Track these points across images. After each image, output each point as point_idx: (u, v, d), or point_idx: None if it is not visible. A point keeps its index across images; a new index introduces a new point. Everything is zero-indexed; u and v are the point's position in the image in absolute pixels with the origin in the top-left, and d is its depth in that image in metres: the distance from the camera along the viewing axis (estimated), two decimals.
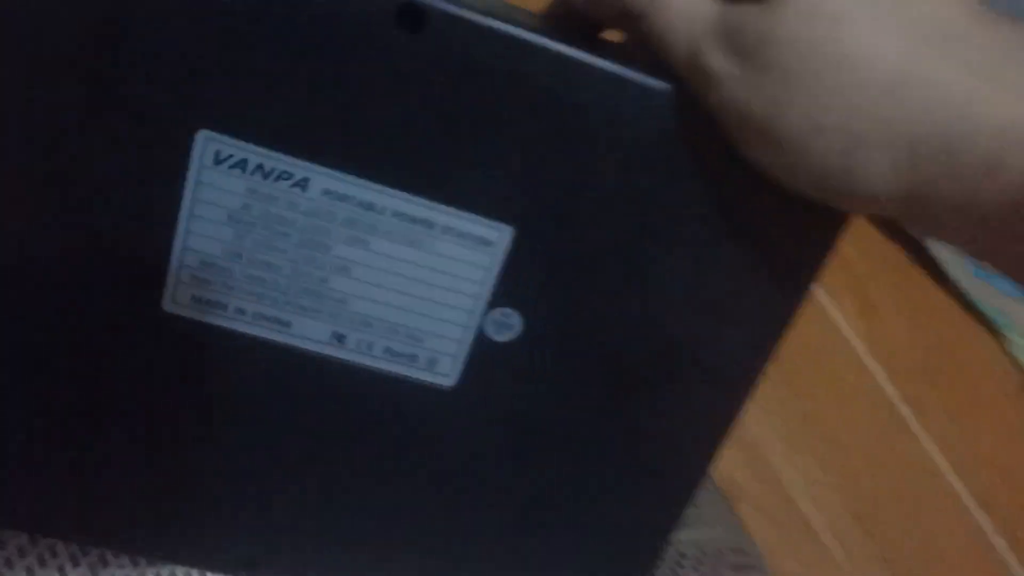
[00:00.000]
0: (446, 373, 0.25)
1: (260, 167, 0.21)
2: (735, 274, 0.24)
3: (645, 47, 0.22)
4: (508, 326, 0.24)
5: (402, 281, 0.23)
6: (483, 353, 0.24)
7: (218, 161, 0.21)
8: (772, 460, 0.46)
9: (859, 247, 0.64)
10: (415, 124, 0.21)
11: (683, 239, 0.23)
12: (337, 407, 0.25)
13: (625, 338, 0.25)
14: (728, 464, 0.43)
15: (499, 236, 0.23)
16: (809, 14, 0.19)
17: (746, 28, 0.20)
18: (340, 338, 0.24)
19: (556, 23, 0.24)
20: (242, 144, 0.21)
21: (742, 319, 0.25)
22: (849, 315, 0.58)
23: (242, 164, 0.21)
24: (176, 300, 0.23)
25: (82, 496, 0.25)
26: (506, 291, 0.24)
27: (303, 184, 0.22)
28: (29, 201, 0.21)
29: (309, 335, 0.24)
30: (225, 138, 0.21)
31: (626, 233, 0.23)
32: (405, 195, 0.22)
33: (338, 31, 0.20)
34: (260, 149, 0.21)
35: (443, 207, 0.22)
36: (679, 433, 0.27)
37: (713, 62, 0.20)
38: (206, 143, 0.21)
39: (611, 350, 0.25)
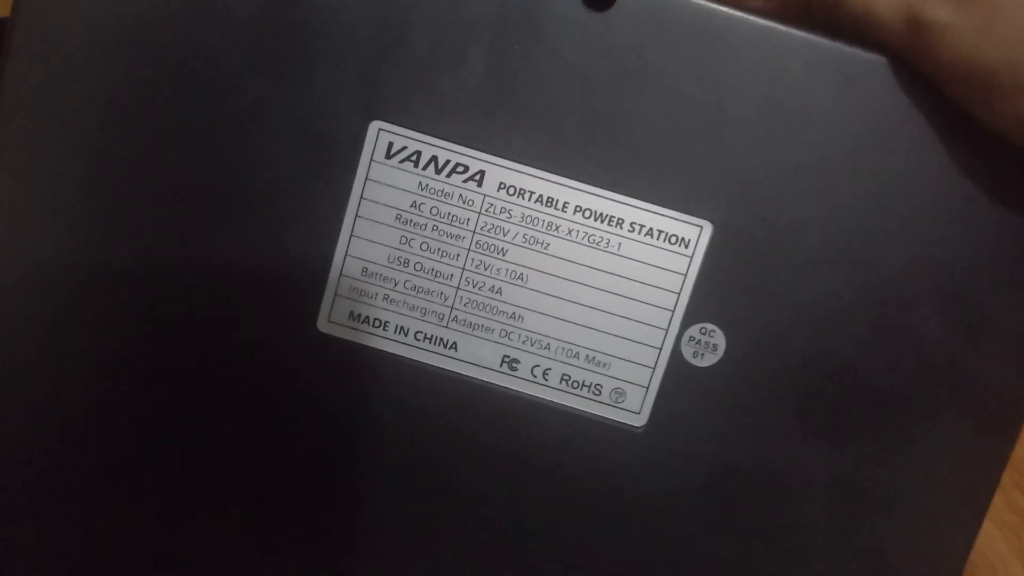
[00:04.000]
0: (635, 410, 0.21)
1: (434, 160, 0.20)
2: (994, 272, 0.20)
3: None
4: (710, 346, 0.20)
5: (584, 291, 0.20)
6: (679, 382, 0.20)
7: (390, 154, 0.20)
8: None
9: None
10: (602, 110, 0.19)
11: (922, 227, 0.20)
12: (502, 448, 0.21)
13: (856, 359, 0.20)
14: None
15: (697, 234, 0.20)
16: None
17: None
18: (512, 364, 0.21)
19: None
20: (416, 135, 0.20)
21: (1006, 328, 0.20)
22: None
23: (415, 157, 0.20)
24: (332, 318, 0.20)
25: (233, 530, 0.21)
26: (706, 303, 0.20)
27: (479, 178, 0.20)
28: (182, 201, 0.20)
29: (477, 359, 0.21)
30: (399, 129, 0.20)
31: (850, 223, 0.20)
32: (590, 188, 0.20)
33: (518, 11, 0.19)
34: (435, 140, 0.20)
35: (632, 200, 0.20)
36: (921, 490, 0.21)
37: (938, 14, 0.18)
38: (378, 135, 0.20)
39: (836, 376, 0.20)
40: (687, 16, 0.19)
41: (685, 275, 0.20)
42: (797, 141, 0.19)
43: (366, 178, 0.20)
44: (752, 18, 0.19)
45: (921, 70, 0.19)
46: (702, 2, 0.19)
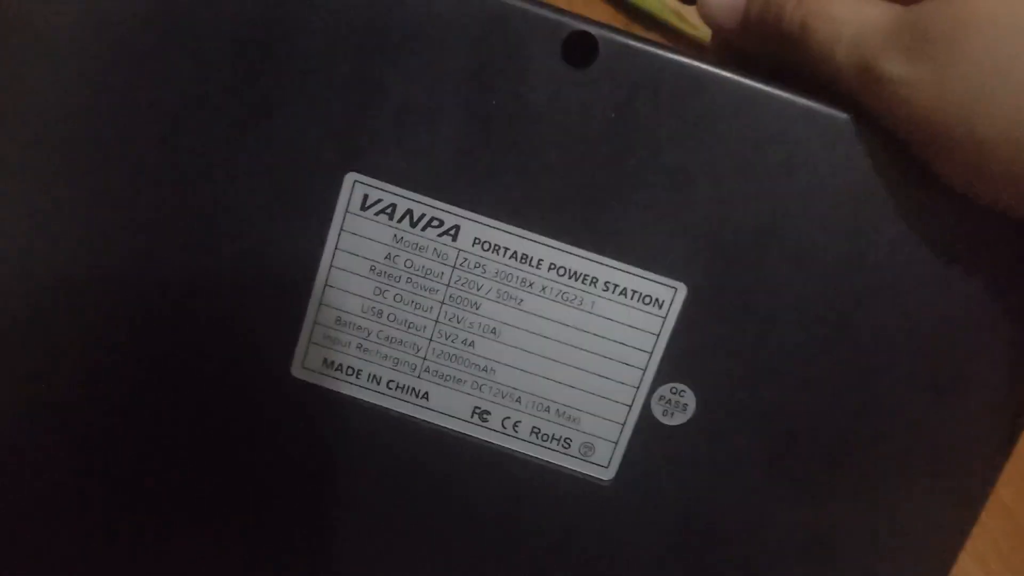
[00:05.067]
0: (603, 463, 0.21)
1: (409, 213, 0.20)
2: (964, 327, 0.20)
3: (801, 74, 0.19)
4: (680, 405, 0.20)
5: (556, 347, 0.20)
6: (648, 439, 0.21)
7: (365, 206, 0.20)
8: None
9: None
10: (580, 167, 0.19)
11: (893, 289, 0.20)
12: (471, 498, 0.21)
13: (825, 419, 0.20)
14: None
15: (671, 296, 0.20)
16: None
17: (928, 21, 0.17)
18: (483, 415, 0.21)
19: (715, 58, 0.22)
20: (392, 188, 0.19)
21: (977, 390, 0.20)
22: None
23: (390, 210, 0.20)
24: (306, 364, 0.20)
25: (200, 568, 0.22)
26: (677, 363, 0.20)
27: (453, 232, 0.20)
28: (162, 243, 0.20)
29: (448, 410, 0.21)
30: (374, 181, 0.19)
31: (823, 285, 0.20)
32: (565, 246, 0.20)
33: (499, 66, 0.19)
34: (411, 193, 0.20)
35: (606, 260, 0.20)
36: (890, 549, 0.21)
37: (892, 69, 0.17)
38: (353, 187, 0.19)
39: (806, 436, 0.20)
40: (667, 73, 0.19)
41: (658, 335, 0.20)
42: (773, 201, 0.19)
43: (341, 229, 0.20)
44: (732, 76, 0.19)
45: (882, 125, 0.19)
46: (682, 59, 0.19)
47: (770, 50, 0.21)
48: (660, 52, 0.19)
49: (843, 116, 0.19)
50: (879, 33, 0.18)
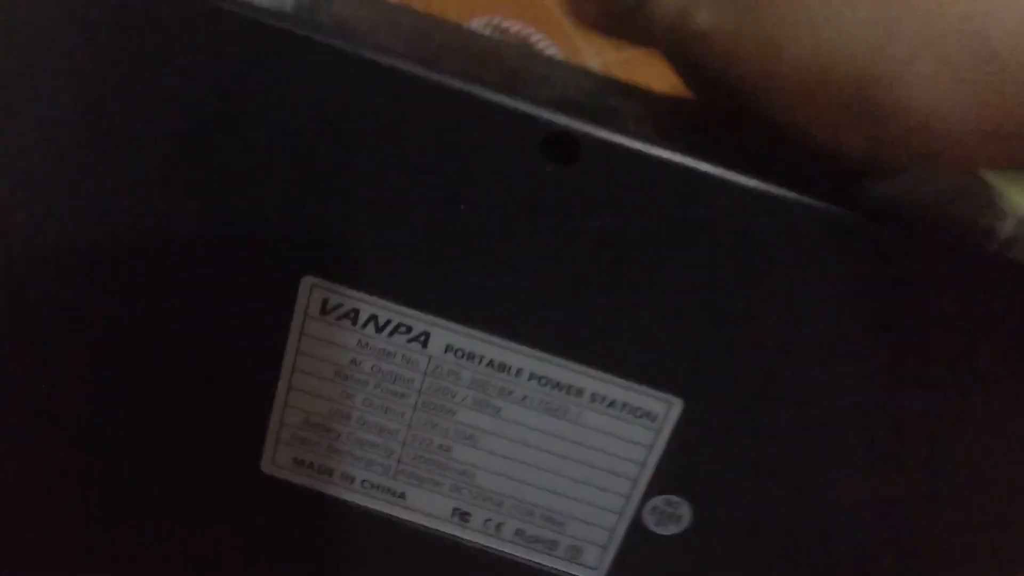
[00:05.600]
0: (593, 566, 0.20)
1: (374, 319, 0.18)
2: (966, 452, 0.18)
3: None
4: (674, 517, 0.19)
5: (539, 456, 0.19)
6: (641, 544, 0.19)
7: (325, 311, 0.18)
8: None
9: None
10: (561, 273, 0.17)
11: (892, 403, 0.17)
12: None
13: (822, 535, 0.19)
14: None
15: (665, 410, 0.18)
16: None
17: None
18: (463, 516, 0.19)
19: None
20: (353, 292, 0.17)
21: (977, 518, 0.18)
22: None
23: (352, 315, 0.18)
24: (276, 461, 0.19)
25: None
26: (671, 476, 0.18)
27: (423, 339, 0.18)
28: (123, 347, 0.18)
29: (427, 509, 0.20)
30: (333, 285, 0.17)
31: (823, 398, 0.17)
32: (546, 356, 0.18)
33: (473, 164, 0.16)
34: (374, 299, 0.17)
35: (593, 372, 0.18)
36: None
37: (700, 21, 0.15)
38: (311, 290, 0.17)
39: (802, 551, 0.19)
40: (655, 172, 0.16)
41: (650, 447, 0.18)
42: (771, 310, 0.17)
43: (300, 333, 0.18)
44: (727, 175, 0.16)
45: (692, 85, 0.17)
46: (670, 156, 0.16)
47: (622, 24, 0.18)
48: (649, 150, 0.16)
49: (848, 214, 0.16)
50: None
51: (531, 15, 0.56)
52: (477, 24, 0.53)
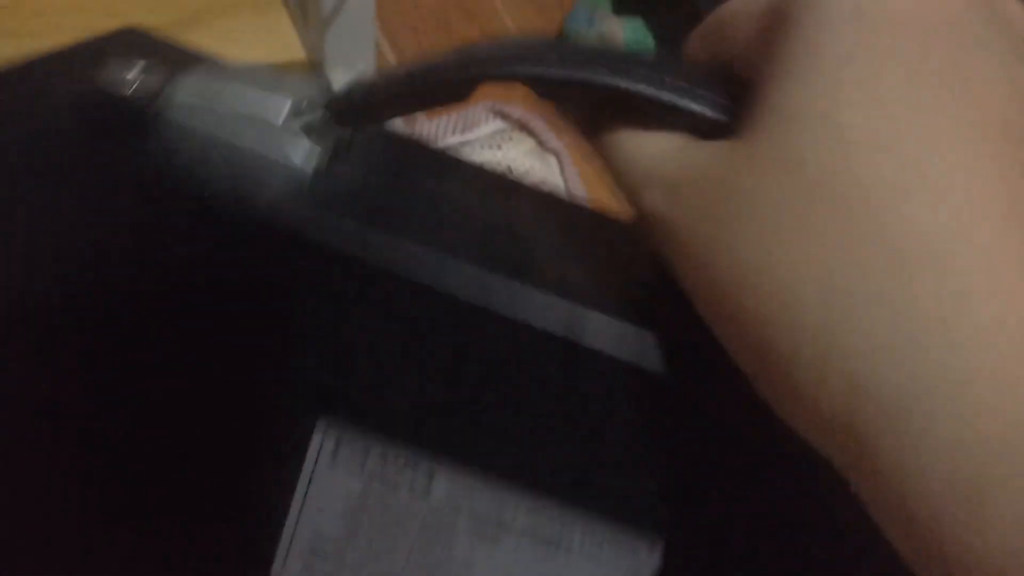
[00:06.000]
0: None
1: (382, 457, 0.19)
2: None
3: None
4: None
5: None
6: None
7: (337, 449, 0.19)
8: None
9: None
10: (558, 421, 0.18)
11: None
12: None
13: None
14: None
15: (648, 547, 0.19)
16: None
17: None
18: None
19: None
20: (363, 434, 0.19)
21: None
22: None
23: (363, 454, 0.19)
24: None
25: None
26: None
27: (427, 478, 0.19)
28: (141, 473, 0.20)
29: None
30: (346, 426, 0.19)
31: (813, 527, 0.19)
32: (541, 496, 0.19)
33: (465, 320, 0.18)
34: (383, 440, 0.19)
35: (585, 512, 0.19)
36: None
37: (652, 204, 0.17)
38: (326, 431, 0.19)
39: None
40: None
41: None
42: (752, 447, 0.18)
43: (312, 471, 0.19)
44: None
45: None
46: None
47: None
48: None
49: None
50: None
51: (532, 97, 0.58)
52: (481, 109, 0.55)
